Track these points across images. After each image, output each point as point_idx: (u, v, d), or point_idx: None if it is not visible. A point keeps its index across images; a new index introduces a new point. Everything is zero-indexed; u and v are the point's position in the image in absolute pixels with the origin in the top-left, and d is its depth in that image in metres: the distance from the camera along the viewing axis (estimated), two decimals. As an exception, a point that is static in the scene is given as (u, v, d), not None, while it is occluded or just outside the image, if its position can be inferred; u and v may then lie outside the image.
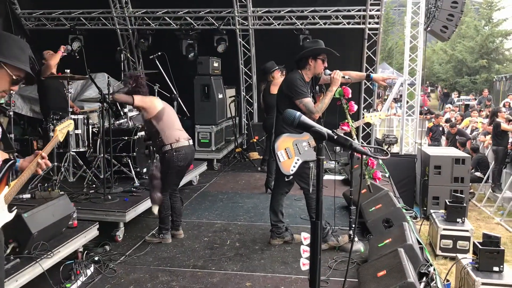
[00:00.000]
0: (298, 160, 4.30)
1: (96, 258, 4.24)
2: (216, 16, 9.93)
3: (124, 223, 4.90)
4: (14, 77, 2.26)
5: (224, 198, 6.54)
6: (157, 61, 7.02)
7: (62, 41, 9.34)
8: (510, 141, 10.18)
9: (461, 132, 12.44)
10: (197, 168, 7.17)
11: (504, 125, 10.22)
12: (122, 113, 6.46)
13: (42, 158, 2.46)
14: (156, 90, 6.86)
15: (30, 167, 2.43)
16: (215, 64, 9.01)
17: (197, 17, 9.97)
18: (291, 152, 4.30)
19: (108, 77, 6.97)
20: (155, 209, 4.61)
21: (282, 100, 4.43)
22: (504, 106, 17.16)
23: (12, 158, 2.49)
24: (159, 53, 7.03)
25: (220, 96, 8.92)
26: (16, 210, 2.47)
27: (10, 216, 2.44)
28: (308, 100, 4.32)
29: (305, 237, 2.28)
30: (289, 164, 4.29)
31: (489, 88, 24.26)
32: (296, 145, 4.31)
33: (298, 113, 1.60)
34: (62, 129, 2.77)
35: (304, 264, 2.22)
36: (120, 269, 4.15)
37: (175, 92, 6.89)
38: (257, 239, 4.95)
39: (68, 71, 5.98)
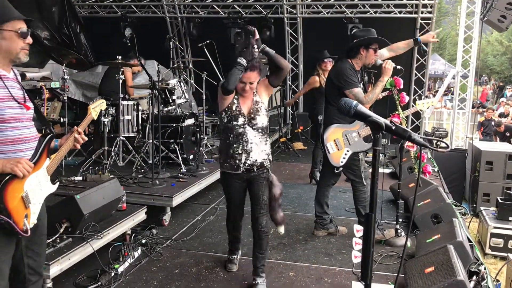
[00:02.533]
0: (348, 151, 4.23)
1: (144, 241, 4.35)
2: (264, 4, 9.88)
3: (170, 207, 5.00)
4: (18, 31, 2.31)
5: (268, 187, 6.54)
6: (205, 49, 7.07)
7: (114, 28, 9.59)
8: None
9: (510, 127, 11.87)
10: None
11: None
12: (170, 100, 6.56)
13: (79, 133, 2.63)
14: (204, 78, 6.91)
15: (68, 142, 2.61)
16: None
17: (245, 5, 9.96)
18: (340, 143, 4.23)
19: (157, 65, 7.08)
20: (282, 229, 3.93)
21: (332, 90, 4.35)
22: None
23: (49, 131, 2.60)
24: (208, 41, 7.07)
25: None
26: (58, 182, 2.59)
27: (53, 188, 2.59)
28: (358, 90, 4.23)
29: (357, 230, 2.24)
30: (339, 155, 4.23)
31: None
32: (346, 136, 4.24)
33: (355, 102, 1.56)
34: (95, 107, 2.87)
35: (356, 256, 2.18)
36: (166, 253, 4.24)
37: (222, 80, 6.92)
38: (300, 229, 4.93)
39: (120, 57, 6.12)
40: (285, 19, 10.05)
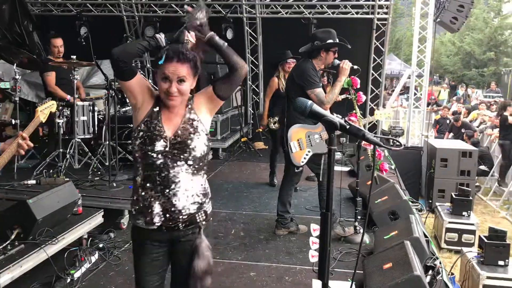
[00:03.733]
0: (309, 152, 4.28)
1: (101, 245, 4.24)
2: (223, 3, 9.84)
3: (129, 210, 4.88)
4: None
5: (229, 187, 6.52)
6: (163, 49, 6.96)
7: (69, 27, 9.32)
8: None
9: (467, 125, 12.32)
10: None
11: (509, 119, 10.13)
12: (128, 100, 6.43)
13: (23, 139, 2.49)
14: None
15: (11, 148, 2.47)
16: (222, 53, 8.93)
17: (205, 4, 9.86)
18: (303, 143, 4.27)
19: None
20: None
21: (294, 89, 4.39)
22: (512, 99, 17.05)
23: None
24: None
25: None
26: None
27: None
28: (320, 91, 4.29)
29: (314, 229, 2.25)
30: (300, 155, 4.27)
31: (496, 81, 24.05)
32: (309, 136, 4.28)
33: (310, 101, 1.57)
34: (44, 110, 2.74)
35: (313, 256, 2.19)
36: (124, 257, 4.15)
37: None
38: (262, 229, 4.93)
39: (74, 57, 5.95)
40: (244, 18, 10.04)
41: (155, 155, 2.15)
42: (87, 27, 9.37)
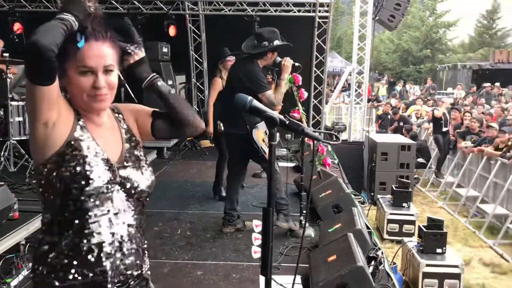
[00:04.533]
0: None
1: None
2: (165, 0, 9.69)
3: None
4: None
5: (174, 186, 6.44)
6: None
7: (1, 23, 8.86)
8: (446, 129, 10.53)
9: (404, 118, 12.81)
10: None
11: (436, 112, 10.61)
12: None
13: None
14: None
15: None
16: (164, 50, 8.82)
17: (146, 1, 9.69)
18: (267, 141, 4.30)
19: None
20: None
21: (242, 92, 4.33)
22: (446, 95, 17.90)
23: None
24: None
25: (170, 82, 8.75)
26: None
27: None
28: (271, 93, 4.31)
29: (256, 225, 2.26)
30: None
31: (432, 77, 25.19)
32: (266, 133, 4.31)
33: (250, 97, 1.57)
34: None
35: (256, 252, 2.20)
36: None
37: (122, 78, 6.66)
38: (208, 228, 4.90)
39: (7, 55, 5.66)
40: (187, 15, 9.94)
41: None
42: (22, 23, 8.96)
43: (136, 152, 1.68)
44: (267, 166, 1.54)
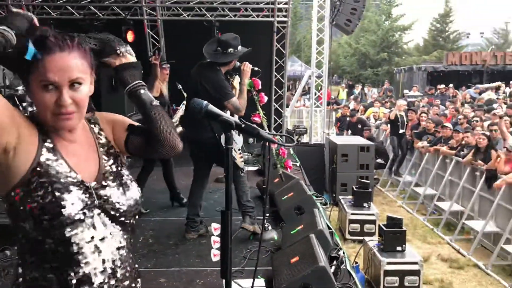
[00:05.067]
0: (238, 150, 4.39)
1: (-5, 265, 3.93)
2: (122, 6, 9.56)
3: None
4: None
5: (136, 194, 6.33)
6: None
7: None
8: (402, 131, 10.81)
9: (362, 121, 13.07)
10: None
11: (391, 114, 10.92)
12: (21, 108, 6.02)
13: None
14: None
15: None
16: (123, 56, 8.68)
17: (102, 6, 9.53)
18: (234, 146, 4.32)
19: (3, 69, 6.45)
20: None
21: (207, 99, 4.29)
22: (403, 96, 18.40)
23: None
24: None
25: (129, 89, 8.62)
26: None
27: None
28: (236, 99, 4.32)
29: (215, 228, 2.26)
30: (238, 157, 4.34)
31: (389, 80, 25.83)
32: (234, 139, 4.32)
33: (205, 102, 1.58)
34: None
35: (215, 254, 2.21)
36: (23, 275, 3.87)
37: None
38: (171, 235, 4.86)
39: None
40: (145, 21, 9.83)
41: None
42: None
43: (116, 168, 1.49)
44: (230, 170, 1.55)
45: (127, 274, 1.45)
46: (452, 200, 8.06)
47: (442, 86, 18.98)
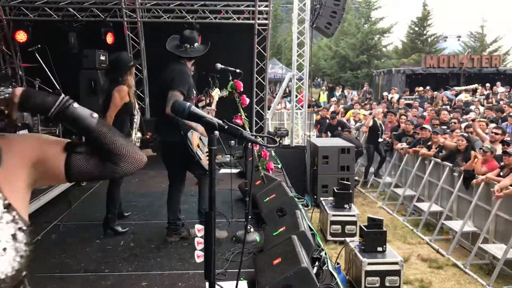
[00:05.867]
0: (206, 152, 4.32)
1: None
2: (101, 7, 9.47)
3: (4, 230, 4.49)
4: None
5: (116, 197, 6.27)
6: (37, 54, 6.53)
7: None
8: (381, 140, 10.93)
9: (342, 123, 13.16)
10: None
11: (367, 121, 11.03)
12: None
13: None
14: (37, 85, 6.38)
15: None
16: (102, 58, 8.61)
17: (81, 8, 9.43)
18: (202, 147, 4.28)
19: None
20: None
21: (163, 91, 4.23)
22: (383, 98, 18.60)
23: None
24: (39, 46, 6.54)
25: (109, 91, 8.55)
26: None
27: None
28: (178, 94, 4.15)
29: (199, 229, 2.26)
30: (205, 158, 4.30)
31: (369, 82, 26.11)
32: (201, 139, 4.28)
33: (188, 103, 1.58)
34: None
35: (199, 256, 2.20)
36: (1, 281, 3.80)
37: (58, 87, 6.46)
38: (152, 238, 4.82)
39: None
40: (124, 23, 9.76)
41: None
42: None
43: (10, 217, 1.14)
44: (201, 173, 1.55)
45: None
46: (431, 201, 8.17)
47: (421, 88, 19.27)
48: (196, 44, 4.36)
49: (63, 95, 1.25)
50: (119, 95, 4.61)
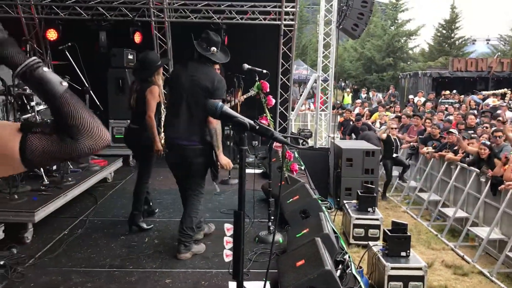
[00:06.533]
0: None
1: (2, 263, 3.94)
2: (130, 7, 9.60)
3: (33, 223, 4.60)
4: None
5: (141, 194, 6.34)
6: (67, 52, 6.64)
7: None
8: (396, 155, 10.46)
9: (367, 125, 13.04)
10: (112, 165, 6.90)
11: (380, 133, 10.50)
12: (28, 107, 6.05)
13: None
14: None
15: None
16: (130, 57, 8.73)
17: (110, 7, 9.58)
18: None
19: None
20: None
21: (201, 95, 4.03)
22: (408, 101, 18.36)
23: None
24: (69, 44, 6.65)
25: (136, 90, 8.65)
26: None
27: None
28: (225, 106, 4.19)
29: (228, 228, 2.26)
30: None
31: (394, 85, 25.80)
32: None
33: (221, 103, 1.59)
34: None
35: (228, 255, 2.21)
36: (29, 273, 3.89)
37: (87, 85, 6.57)
38: (176, 235, 4.83)
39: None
40: (152, 22, 9.87)
41: None
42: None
43: None
44: (243, 172, 1.55)
45: None
46: (457, 206, 8.03)
47: (447, 92, 18.95)
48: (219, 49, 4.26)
49: (34, 57, 1.20)
50: (153, 96, 4.67)
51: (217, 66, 4.25)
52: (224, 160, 3.96)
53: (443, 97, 18.58)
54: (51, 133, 1.16)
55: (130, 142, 5.11)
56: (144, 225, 4.95)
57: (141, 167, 5.11)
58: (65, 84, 1.18)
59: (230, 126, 5.76)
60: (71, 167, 6.26)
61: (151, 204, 5.45)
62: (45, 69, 1.17)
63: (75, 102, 1.18)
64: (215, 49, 4.12)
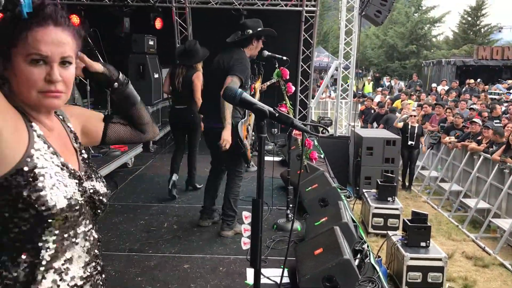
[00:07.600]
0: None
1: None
2: (151, -7, 9.59)
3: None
4: None
5: (160, 180, 6.40)
6: (88, 38, 6.69)
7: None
8: (411, 143, 10.05)
9: (391, 110, 12.85)
10: (132, 150, 6.96)
11: (398, 123, 10.39)
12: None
13: None
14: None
15: None
16: (151, 43, 8.74)
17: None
18: (249, 138, 4.30)
19: None
20: None
21: (218, 78, 4.09)
22: (431, 90, 18.07)
23: None
24: (91, 29, 6.71)
25: (156, 76, 8.69)
26: None
27: None
28: (237, 80, 4.05)
29: (246, 216, 2.26)
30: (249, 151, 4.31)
31: (417, 73, 25.38)
32: (248, 130, 4.28)
33: (239, 90, 1.57)
34: None
35: (245, 243, 2.21)
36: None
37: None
38: (195, 221, 4.89)
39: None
40: (173, 8, 9.86)
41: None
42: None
43: (87, 159, 1.40)
44: (262, 159, 1.53)
45: (103, 266, 1.46)
46: (479, 197, 7.90)
47: (471, 81, 18.58)
48: (259, 30, 4.23)
49: (121, 74, 1.52)
50: (200, 81, 5.30)
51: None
52: (226, 136, 3.96)
53: (467, 86, 18.22)
54: (125, 124, 1.57)
55: (177, 121, 5.75)
56: (197, 185, 5.86)
57: (189, 141, 5.80)
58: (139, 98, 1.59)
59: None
60: (92, 151, 6.33)
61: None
62: (131, 86, 1.54)
63: (143, 107, 1.59)
64: (250, 30, 4.20)
